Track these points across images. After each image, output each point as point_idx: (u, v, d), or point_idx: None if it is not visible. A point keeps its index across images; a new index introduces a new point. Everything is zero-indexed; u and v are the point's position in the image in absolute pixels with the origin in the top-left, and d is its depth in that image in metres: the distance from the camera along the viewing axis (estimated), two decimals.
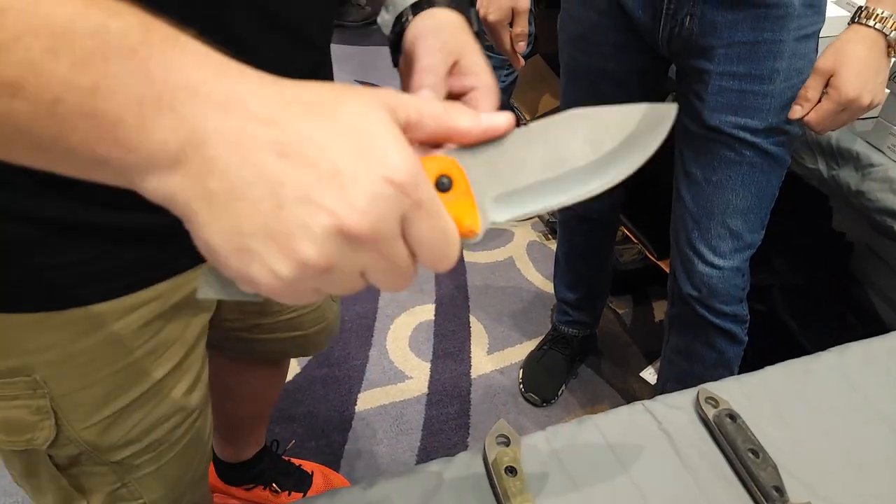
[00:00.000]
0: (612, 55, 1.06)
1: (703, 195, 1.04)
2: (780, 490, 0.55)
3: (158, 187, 0.28)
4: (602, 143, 0.35)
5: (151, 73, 0.26)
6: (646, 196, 1.62)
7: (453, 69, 0.45)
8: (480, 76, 0.45)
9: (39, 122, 0.26)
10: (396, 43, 0.50)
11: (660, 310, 1.79)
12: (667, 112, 0.36)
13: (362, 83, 2.55)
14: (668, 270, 1.22)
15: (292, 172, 0.27)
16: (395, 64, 0.52)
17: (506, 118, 0.35)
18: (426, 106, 0.33)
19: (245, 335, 0.79)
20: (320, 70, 0.60)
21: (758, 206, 1.04)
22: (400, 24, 0.49)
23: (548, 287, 1.80)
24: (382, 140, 0.29)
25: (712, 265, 1.07)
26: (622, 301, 1.81)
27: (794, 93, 0.94)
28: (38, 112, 0.25)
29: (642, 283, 1.83)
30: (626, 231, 1.83)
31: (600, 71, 1.09)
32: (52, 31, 0.25)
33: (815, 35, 0.95)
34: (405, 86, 0.48)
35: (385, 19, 0.51)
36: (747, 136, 0.97)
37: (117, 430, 0.56)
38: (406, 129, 0.31)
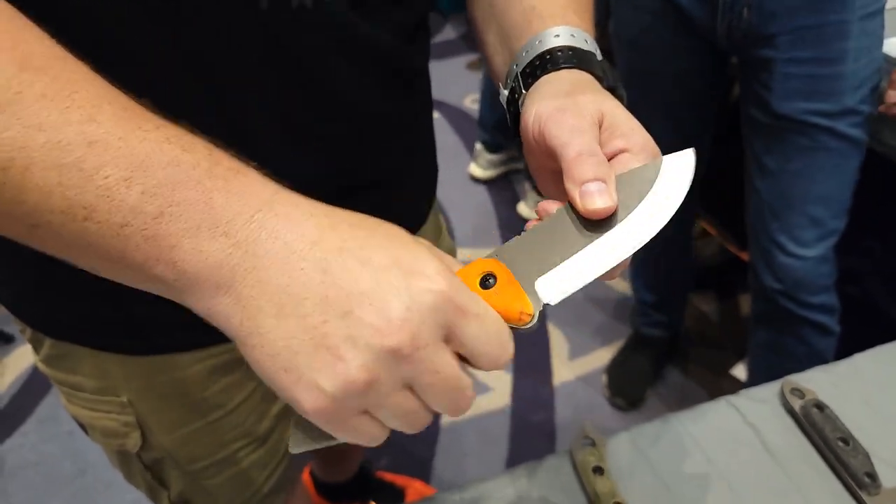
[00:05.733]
0: (670, 56, 1.06)
1: (780, 186, 1.02)
2: (872, 476, 0.54)
3: (211, 307, 0.29)
4: (631, 201, 0.36)
5: (213, 201, 0.29)
6: (721, 188, 1.58)
7: (601, 130, 0.37)
8: (630, 136, 0.37)
9: (106, 241, 0.28)
10: (515, 119, 0.44)
11: (746, 303, 1.73)
12: (685, 157, 0.36)
13: None
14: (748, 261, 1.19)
15: (335, 288, 0.28)
16: (516, 135, 0.45)
17: None
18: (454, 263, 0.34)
19: None
20: (377, 185, 0.54)
21: (839, 191, 1.01)
22: (514, 100, 0.43)
23: (625, 288, 1.78)
24: (419, 252, 0.30)
25: (795, 256, 1.05)
26: (706, 297, 1.76)
27: (866, 72, 0.92)
28: (106, 233, 0.28)
29: (726, 277, 1.78)
30: (704, 225, 1.79)
31: (660, 73, 1.09)
32: (130, 162, 0.28)
33: (881, 12, 0.93)
34: (537, 166, 0.42)
35: (503, 95, 0.45)
36: (821, 121, 0.95)
37: (190, 447, 0.62)
38: None
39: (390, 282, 0.29)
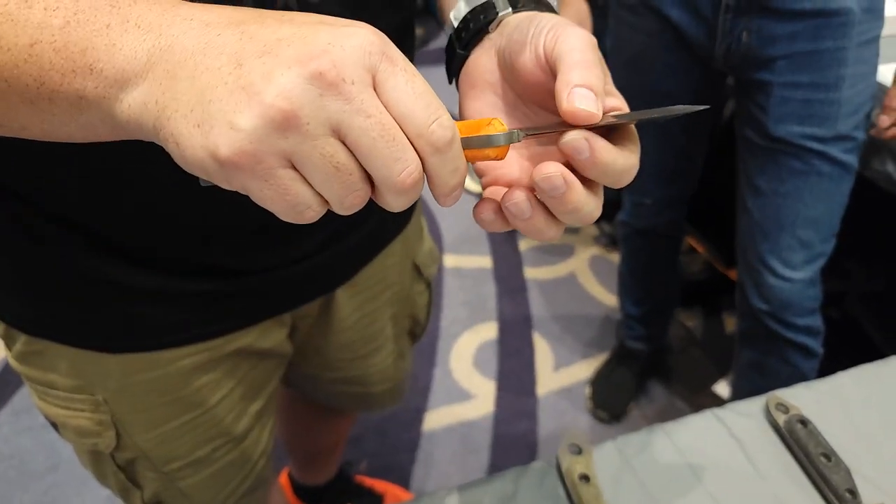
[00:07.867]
0: (668, 75, 1.07)
1: (772, 207, 1.03)
2: (853, 493, 0.55)
3: (131, 105, 0.28)
4: None
5: (119, 3, 0.28)
6: (710, 205, 1.60)
7: None
8: (620, 100, 0.35)
9: (20, 69, 0.28)
10: (468, 42, 0.41)
11: (730, 321, 1.75)
12: None
13: None
14: (736, 280, 1.20)
15: (253, 41, 0.27)
16: (456, 67, 0.43)
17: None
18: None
19: (308, 385, 0.84)
20: None
21: (828, 215, 1.02)
22: (479, 21, 0.40)
23: (612, 301, 1.80)
24: (350, 21, 0.28)
25: (783, 278, 1.06)
26: (691, 313, 1.78)
27: (861, 99, 0.94)
28: (17, 58, 0.28)
29: (711, 294, 1.80)
30: (691, 241, 1.81)
31: (657, 92, 1.10)
32: None
33: (876, 39, 0.94)
34: (468, 105, 0.40)
35: (461, 10, 0.42)
36: (815, 146, 0.96)
37: (167, 447, 0.62)
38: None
39: (314, 28, 0.27)
